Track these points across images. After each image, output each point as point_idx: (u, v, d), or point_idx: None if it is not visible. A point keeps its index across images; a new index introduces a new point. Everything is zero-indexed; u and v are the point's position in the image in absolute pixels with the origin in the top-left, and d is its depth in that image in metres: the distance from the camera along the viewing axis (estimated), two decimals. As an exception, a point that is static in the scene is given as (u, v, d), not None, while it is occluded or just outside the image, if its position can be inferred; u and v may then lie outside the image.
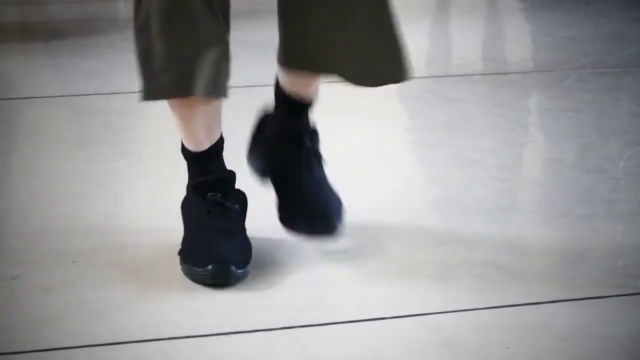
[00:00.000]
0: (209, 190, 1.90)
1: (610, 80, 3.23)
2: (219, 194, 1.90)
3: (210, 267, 1.80)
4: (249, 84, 2.83)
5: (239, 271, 1.81)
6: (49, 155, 2.55)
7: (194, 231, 1.89)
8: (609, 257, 1.95)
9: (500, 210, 2.18)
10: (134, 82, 3.26)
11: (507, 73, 3.38)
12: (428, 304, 1.76)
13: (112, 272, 1.88)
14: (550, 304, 1.76)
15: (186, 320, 1.71)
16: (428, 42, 3.82)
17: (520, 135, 2.72)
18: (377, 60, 1.82)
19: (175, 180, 2.32)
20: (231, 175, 1.94)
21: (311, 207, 1.92)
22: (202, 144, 1.90)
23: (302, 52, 1.86)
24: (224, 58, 1.80)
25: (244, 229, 1.92)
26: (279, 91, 1.97)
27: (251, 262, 1.85)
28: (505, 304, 1.75)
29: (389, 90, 3.08)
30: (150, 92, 1.83)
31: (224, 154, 1.94)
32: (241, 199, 1.95)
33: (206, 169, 1.92)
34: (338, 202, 1.96)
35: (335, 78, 1.83)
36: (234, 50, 1.85)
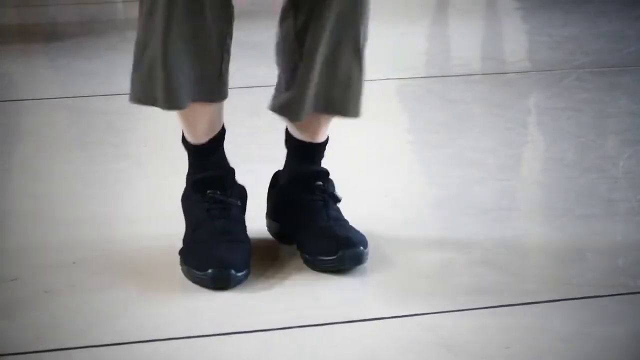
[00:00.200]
0: (209, 187, 1.90)
1: (609, 79, 3.23)
2: (218, 191, 1.90)
3: (210, 271, 1.79)
4: (247, 84, 2.83)
5: (239, 274, 1.81)
6: (49, 156, 2.55)
7: (194, 231, 1.88)
8: (609, 257, 1.95)
9: (499, 210, 2.18)
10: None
11: (507, 73, 3.38)
12: (427, 304, 1.76)
13: (113, 273, 1.88)
14: (549, 304, 1.76)
15: (186, 321, 1.71)
16: (427, 42, 3.82)
17: (519, 135, 2.72)
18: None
19: (175, 181, 2.32)
20: (230, 171, 1.94)
21: (331, 240, 1.87)
22: (203, 137, 1.90)
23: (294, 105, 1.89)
24: (225, 61, 1.81)
25: (244, 228, 1.91)
26: (288, 137, 1.98)
27: (251, 263, 1.85)
28: (505, 304, 1.76)
29: (389, 90, 3.09)
30: (142, 99, 1.84)
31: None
32: (241, 195, 1.94)
33: (206, 163, 1.91)
34: (359, 233, 1.91)
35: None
36: (233, 50, 1.85)
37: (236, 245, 1.85)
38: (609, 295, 1.79)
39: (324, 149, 1.98)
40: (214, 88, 1.84)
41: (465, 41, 3.85)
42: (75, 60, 3.46)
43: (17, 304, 1.78)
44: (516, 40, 3.94)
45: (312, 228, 1.90)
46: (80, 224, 2.11)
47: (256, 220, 2.00)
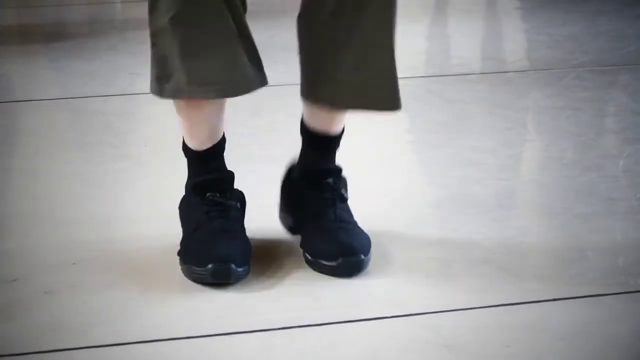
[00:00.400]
0: (208, 190, 1.90)
1: (609, 78, 3.23)
2: (218, 194, 1.90)
3: (210, 266, 1.80)
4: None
5: (239, 270, 1.81)
6: (49, 157, 2.55)
7: (194, 232, 1.89)
8: (609, 255, 1.95)
9: (499, 209, 2.18)
10: (133, 83, 3.28)
11: (506, 72, 3.38)
12: (427, 303, 1.76)
13: (112, 273, 1.88)
14: (550, 303, 1.76)
15: (186, 321, 1.71)
16: (427, 42, 3.83)
17: (519, 135, 2.72)
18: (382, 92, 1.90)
19: (175, 181, 2.33)
20: (230, 175, 1.94)
21: (334, 245, 1.87)
22: (205, 143, 1.90)
23: (321, 88, 1.88)
24: (245, 51, 1.81)
25: (244, 229, 1.92)
26: (303, 128, 1.98)
27: (251, 261, 1.85)
28: (505, 303, 1.75)
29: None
30: (166, 90, 1.82)
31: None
32: (240, 199, 1.95)
33: (206, 168, 1.92)
34: (364, 241, 1.91)
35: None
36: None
37: (235, 241, 1.85)
38: (609, 294, 1.79)
39: (339, 140, 1.98)
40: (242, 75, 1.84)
41: (465, 41, 3.85)
42: (74, 61, 3.46)
43: (17, 305, 1.78)
44: (516, 39, 3.94)
45: (316, 228, 1.90)
46: (80, 225, 2.11)
47: (256, 220, 2.00)
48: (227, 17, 1.78)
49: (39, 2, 4.59)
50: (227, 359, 1.60)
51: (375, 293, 1.81)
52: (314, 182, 1.95)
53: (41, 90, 3.21)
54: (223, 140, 1.93)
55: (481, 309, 1.74)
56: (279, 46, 3.34)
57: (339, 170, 1.98)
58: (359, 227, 1.94)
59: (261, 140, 2.56)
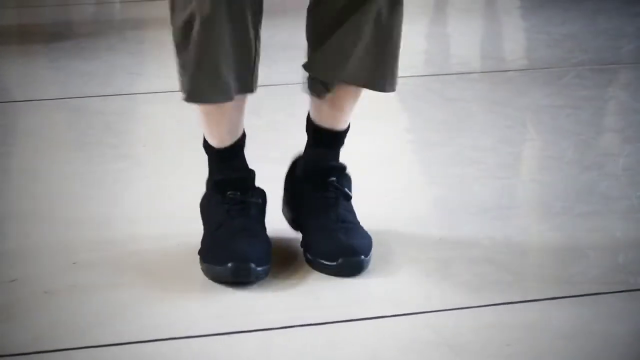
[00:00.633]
0: (229, 188, 1.90)
1: (609, 76, 3.23)
2: (239, 193, 1.90)
3: (230, 265, 1.79)
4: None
5: (259, 269, 1.81)
6: (49, 157, 2.55)
7: (214, 231, 1.88)
8: (609, 254, 1.95)
9: (499, 208, 2.18)
10: (133, 83, 3.28)
11: (506, 71, 3.38)
12: (428, 302, 1.76)
13: (112, 273, 1.88)
14: (550, 302, 1.76)
15: (186, 321, 1.71)
16: (426, 41, 3.82)
17: (519, 133, 2.72)
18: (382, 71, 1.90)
19: (175, 181, 2.33)
20: (251, 174, 1.94)
21: (334, 245, 1.87)
22: (225, 141, 1.90)
23: (324, 63, 1.88)
24: (257, 55, 1.82)
25: (264, 228, 1.91)
26: (309, 124, 1.98)
27: (270, 262, 1.85)
28: (505, 302, 1.75)
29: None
30: (193, 95, 1.82)
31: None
32: (262, 197, 1.94)
33: (227, 166, 1.91)
34: (365, 241, 1.91)
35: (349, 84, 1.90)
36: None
37: (255, 240, 1.85)
38: (609, 293, 1.79)
39: (344, 137, 1.98)
40: (249, 78, 1.84)
41: (465, 40, 3.85)
42: (74, 61, 3.46)
43: (16, 305, 1.78)
44: (515, 38, 3.94)
45: (317, 228, 1.90)
46: (80, 225, 2.10)
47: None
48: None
49: (39, 2, 4.58)
50: (226, 358, 1.60)
51: (376, 292, 1.80)
52: (318, 181, 1.95)
53: (41, 90, 3.21)
54: (244, 137, 1.92)
55: (481, 307, 1.74)
56: (278, 46, 3.34)
57: (343, 168, 1.98)
58: (361, 227, 1.94)
59: (261, 140, 2.56)
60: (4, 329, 1.69)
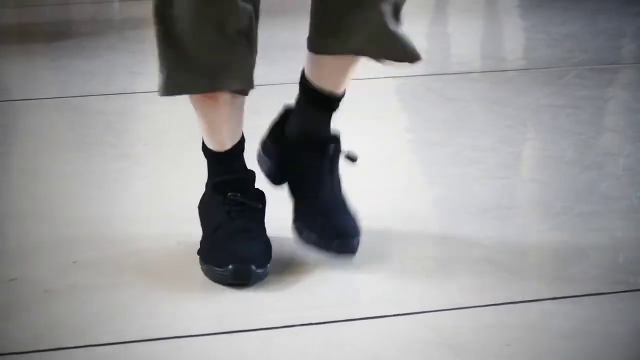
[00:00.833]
0: (229, 189, 1.90)
1: (609, 76, 3.23)
2: (239, 194, 1.90)
3: (230, 266, 1.79)
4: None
5: (259, 271, 1.81)
6: (49, 156, 2.55)
7: (214, 231, 1.88)
8: (609, 254, 1.95)
9: (499, 208, 2.18)
10: (133, 82, 3.28)
11: (506, 70, 3.38)
12: (428, 302, 1.76)
13: (113, 272, 1.88)
14: (550, 301, 1.76)
15: (186, 320, 1.71)
16: (427, 41, 3.83)
17: (519, 133, 2.72)
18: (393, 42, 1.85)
19: (175, 180, 2.33)
20: (251, 175, 1.94)
21: (330, 228, 1.90)
22: (225, 144, 1.90)
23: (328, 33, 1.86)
24: (253, 49, 1.80)
25: (264, 229, 1.92)
26: (304, 86, 1.95)
27: (270, 264, 1.85)
28: (505, 302, 1.75)
29: (389, 88, 3.09)
30: (173, 87, 1.80)
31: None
32: (261, 199, 1.94)
33: (227, 169, 1.91)
34: (355, 222, 1.93)
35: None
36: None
37: (256, 242, 1.85)
38: (609, 293, 1.79)
39: (340, 101, 1.96)
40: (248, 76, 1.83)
41: (465, 39, 3.85)
42: (75, 60, 3.46)
43: (16, 304, 1.78)
44: (515, 38, 3.95)
45: (311, 209, 1.92)
46: (80, 224, 2.11)
47: (256, 219, 2.00)
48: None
49: (39, 1, 4.59)
50: (227, 358, 1.60)
51: (376, 292, 1.80)
52: (315, 150, 1.95)
53: (41, 90, 3.21)
54: (243, 140, 1.92)
55: (481, 307, 1.74)
56: (278, 46, 3.34)
57: (338, 137, 1.98)
58: (349, 208, 1.95)
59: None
60: (3, 328, 1.69)
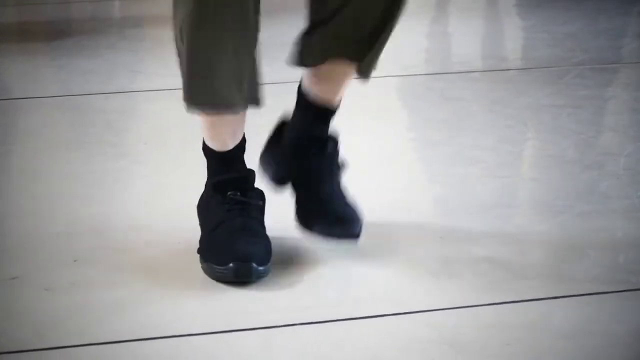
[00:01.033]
0: (229, 188, 1.90)
1: (610, 76, 3.23)
2: (239, 193, 1.90)
3: (231, 264, 1.80)
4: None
5: (260, 268, 1.81)
6: (49, 155, 2.55)
7: (214, 230, 1.88)
8: (610, 254, 1.95)
9: (500, 207, 2.18)
10: (134, 81, 3.28)
11: (507, 70, 3.38)
12: (429, 301, 1.76)
13: (113, 271, 1.88)
14: (550, 301, 1.76)
15: (186, 319, 1.71)
16: (427, 40, 3.83)
17: (519, 132, 2.72)
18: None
19: (175, 179, 2.33)
20: (252, 174, 1.94)
21: (331, 213, 1.94)
22: (227, 145, 1.91)
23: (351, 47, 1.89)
24: (257, 67, 1.83)
25: (264, 227, 1.92)
26: (302, 98, 1.98)
27: (271, 262, 1.85)
28: (506, 301, 1.75)
29: (389, 88, 3.09)
30: (194, 104, 1.83)
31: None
32: (261, 197, 1.95)
33: (228, 168, 1.91)
34: (356, 210, 1.97)
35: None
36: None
37: (256, 239, 1.86)
38: (610, 292, 1.79)
39: (336, 112, 1.99)
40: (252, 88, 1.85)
41: (466, 39, 3.85)
42: (75, 59, 3.46)
43: (17, 302, 1.78)
44: (516, 37, 3.94)
45: (313, 199, 1.95)
46: (80, 223, 2.10)
47: (257, 218, 2.00)
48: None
49: (39, 0, 4.59)
50: (227, 357, 1.60)
51: (376, 291, 1.80)
52: (314, 148, 1.97)
53: (41, 88, 3.21)
54: (244, 140, 1.93)
55: (482, 306, 1.74)
56: (278, 45, 3.34)
57: (336, 139, 2.00)
58: (351, 201, 1.98)
59: (262, 139, 2.56)
60: (4, 326, 1.69)
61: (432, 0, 4.55)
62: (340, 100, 1.98)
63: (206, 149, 1.93)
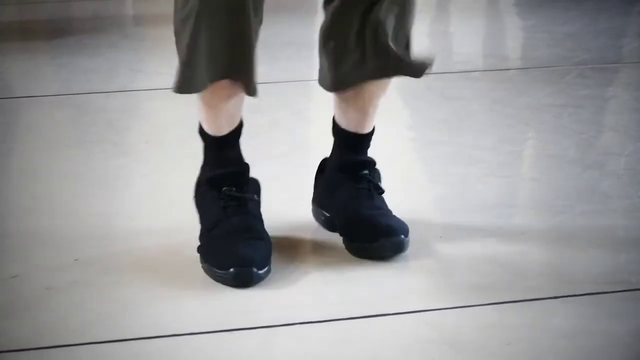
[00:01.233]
0: (224, 183, 1.89)
1: (610, 75, 3.23)
2: (234, 188, 1.90)
3: (232, 270, 1.79)
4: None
5: (261, 272, 1.81)
6: (50, 153, 2.55)
7: (212, 229, 1.88)
8: (610, 253, 1.95)
9: (500, 207, 2.18)
10: (135, 80, 3.28)
11: (507, 69, 3.37)
12: (429, 301, 1.76)
13: (113, 270, 1.88)
14: (551, 300, 1.76)
15: (187, 318, 1.71)
16: (428, 39, 3.82)
17: (520, 132, 2.72)
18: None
19: (176, 178, 2.33)
20: (246, 167, 1.93)
21: (374, 225, 1.91)
22: (222, 129, 1.89)
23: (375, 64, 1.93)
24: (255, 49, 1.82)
25: (262, 223, 1.91)
26: (335, 128, 2.00)
27: (271, 262, 1.85)
28: (506, 301, 1.75)
29: (389, 87, 3.08)
30: (194, 84, 1.80)
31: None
32: (256, 189, 1.94)
33: (223, 158, 1.91)
34: (403, 222, 1.95)
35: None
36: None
37: (256, 242, 1.85)
38: (611, 292, 1.79)
39: (370, 139, 2.01)
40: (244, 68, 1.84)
41: (466, 38, 3.85)
42: (76, 58, 3.46)
43: (17, 301, 1.78)
44: (516, 37, 3.94)
45: (355, 216, 1.93)
46: (81, 221, 2.10)
47: (257, 217, 2.00)
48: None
49: (40, -1, 4.59)
50: (228, 356, 1.60)
51: (376, 291, 1.80)
52: (351, 174, 1.97)
53: (42, 87, 3.21)
54: (241, 126, 1.92)
55: (482, 306, 1.74)
56: (280, 44, 3.34)
57: (373, 162, 2.01)
58: (395, 215, 1.96)
59: (262, 138, 2.56)
60: (4, 325, 1.69)
61: (433, 0, 4.55)
62: (371, 127, 2.01)
63: (202, 132, 1.93)
